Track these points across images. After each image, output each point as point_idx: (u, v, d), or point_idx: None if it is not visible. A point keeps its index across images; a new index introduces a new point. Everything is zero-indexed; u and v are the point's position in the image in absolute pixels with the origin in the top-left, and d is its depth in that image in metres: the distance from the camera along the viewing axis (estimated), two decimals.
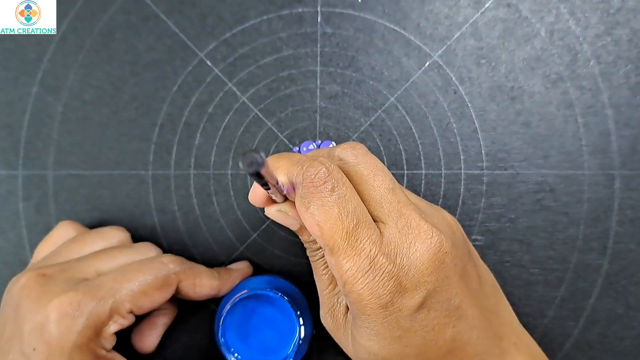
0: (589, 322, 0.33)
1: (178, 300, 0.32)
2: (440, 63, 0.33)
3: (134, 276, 0.27)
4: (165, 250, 0.33)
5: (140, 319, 0.30)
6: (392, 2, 0.33)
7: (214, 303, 0.34)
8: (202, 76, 0.34)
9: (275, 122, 0.34)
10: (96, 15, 0.34)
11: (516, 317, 0.28)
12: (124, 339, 0.29)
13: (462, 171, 0.33)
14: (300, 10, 0.33)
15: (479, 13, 0.33)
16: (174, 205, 0.34)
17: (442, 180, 0.33)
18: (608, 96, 0.33)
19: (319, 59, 0.33)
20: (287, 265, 0.34)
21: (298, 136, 0.34)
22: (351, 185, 0.24)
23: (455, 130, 0.33)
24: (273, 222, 0.34)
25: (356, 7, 0.33)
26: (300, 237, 0.28)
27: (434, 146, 0.33)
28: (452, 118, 0.33)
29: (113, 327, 0.26)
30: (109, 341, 0.26)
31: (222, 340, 0.29)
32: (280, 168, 0.25)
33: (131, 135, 0.34)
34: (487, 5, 0.33)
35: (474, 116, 0.33)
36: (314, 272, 0.29)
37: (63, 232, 0.31)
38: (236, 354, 0.29)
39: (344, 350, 0.28)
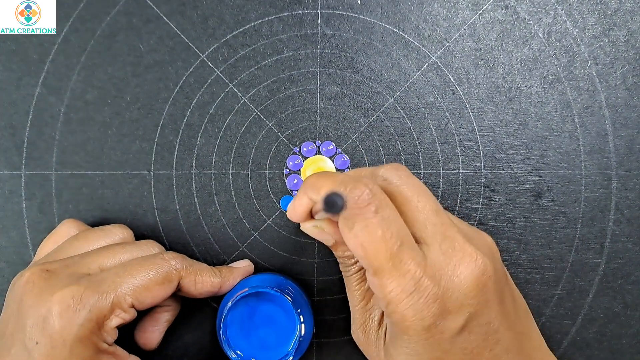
0: (586, 320, 0.33)
1: (180, 298, 0.32)
2: (439, 64, 0.33)
3: (136, 271, 0.27)
4: (167, 249, 0.34)
5: (143, 315, 0.31)
6: (391, 4, 0.33)
7: (215, 301, 0.34)
8: (204, 77, 0.34)
9: (275, 122, 0.34)
10: (98, 17, 0.34)
11: (544, 340, 0.28)
12: (127, 338, 0.30)
13: (461, 171, 0.34)
14: (300, 12, 0.34)
15: (477, 15, 0.33)
16: (176, 205, 0.34)
17: (441, 180, 0.34)
18: (605, 97, 0.33)
19: (319, 60, 0.34)
20: (288, 264, 0.34)
21: (298, 137, 0.34)
22: (394, 207, 0.24)
23: (454, 131, 0.34)
24: (274, 221, 0.34)
25: (355, 9, 0.33)
26: (334, 252, 0.28)
27: (432, 146, 0.34)
28: (451, 118, 0.34)
29: (115, 321, 0.26)
30: (111, 335, 0.26)
31: (223, 337, 0.29)
32: (323, 188, 0.24)
33: (133, 135, 0.34)
34: (485, 7, 0.33)
35: (472, 117, 0.33)
36: (346, 287, 0.29)
37: (66, 230, 0.31)
38: (237, 351, 0.29)
39: None
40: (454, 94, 0.33)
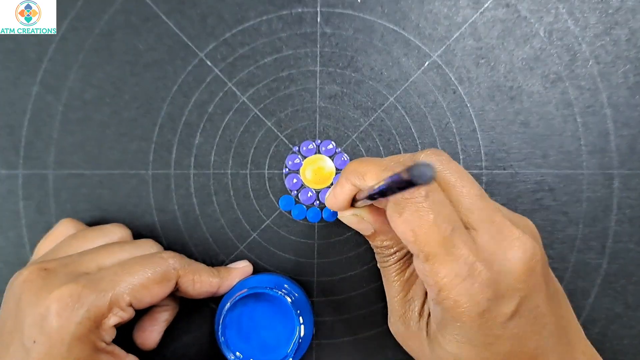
0: (588, 321, 0.33)
1: (179, 299, 0.32)
2: (440, 63, 0.33)
3: (134, 270, 0.27)
4: (166, 249, 0.33)
5: (142, 315, 0.31)
6: (391, 2, 0.33)
7: (214, 302, 0.34)
8: (202, 76, 0.34)
9: (275, 121, 0.34)
10: (96, 15, 0.34)
11: (580, 326, 0.28)
12: (125, 337, 0.29)
13: None
14: (300, 10, 0.33)
15: (478, 13, 0.33)
16: (174, 205, 0.34)
17: None
18: (607, 96, 0.33)
19: (318, 59, 0.34)
20: (287, 264, 0.34)
21: (298, 136, 0.34)
22: (442, 192, 0.23)
23: (455, 130, 0.33)
24: (273, 221, 0.34)
25: (355, 7, 0.33)
26: (371, 242, 0.29)
27: (433, 146, 0.33)
28: (451, 118, 0.33)
29: (113, 320, 0.26)
30: (109, 334, 0.26)
31: (222, 339, 0.29)
32: (368, 174, 0.24)
33: (131, 134, 0.34)
34: (486, 6, 0.33)
35: (473, 116, 0.33)
36: (384, 279, 0.29)
37: (63, 229, 0.31)
38: (236, 353, 0.29)
39: (416, 356, 0.28)
40: (454, 93, 0.33)
